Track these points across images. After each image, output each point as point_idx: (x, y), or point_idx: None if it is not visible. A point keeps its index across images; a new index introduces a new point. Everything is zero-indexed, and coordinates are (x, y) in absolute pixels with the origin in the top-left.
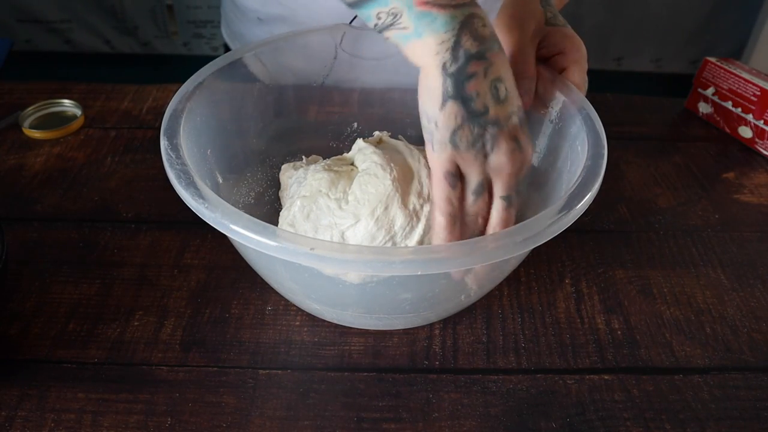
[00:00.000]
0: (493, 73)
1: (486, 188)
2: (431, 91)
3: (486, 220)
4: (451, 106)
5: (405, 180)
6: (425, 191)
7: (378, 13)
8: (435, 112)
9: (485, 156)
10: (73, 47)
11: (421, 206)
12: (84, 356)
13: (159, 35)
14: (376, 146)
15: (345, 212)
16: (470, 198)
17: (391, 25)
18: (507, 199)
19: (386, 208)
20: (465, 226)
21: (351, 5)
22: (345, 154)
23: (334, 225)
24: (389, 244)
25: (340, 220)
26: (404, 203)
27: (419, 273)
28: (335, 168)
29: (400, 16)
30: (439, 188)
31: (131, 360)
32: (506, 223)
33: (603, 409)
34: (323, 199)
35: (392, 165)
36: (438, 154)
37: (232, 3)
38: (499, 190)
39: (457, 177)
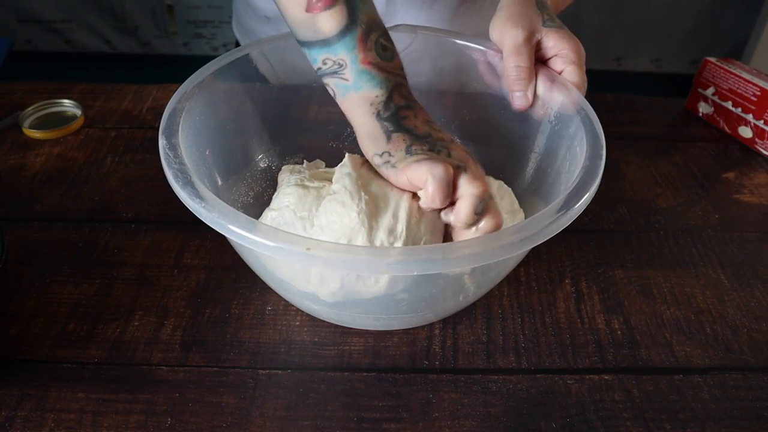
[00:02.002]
0: (422, 118)
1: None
2: (372, 135)
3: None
4: (398, 136)
5: (376, 213)
6: (399, 229)
7: (325, 59)
8: (383, 146)
9: (449, 155)
10: (73, 47)
11: (391, 244)
12: (84, 356)
13: (159, 35)
14: (360, 166)
15: (309, 236)
16: (458, 173)
17: (335, 73)
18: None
19: (349, 242)
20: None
21: (301, 44)
22: (335, 168)
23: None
24: (354, 280)
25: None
26: (370, 239)
27: (415, 273)
28: (307, 183)
29: (345, 68)
30: (435, 167)
31: (131, 360)
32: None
33: (603, 409)
34: (290, 215)
35: (362, 194)
36: (402, 164)
37: (244, 0)
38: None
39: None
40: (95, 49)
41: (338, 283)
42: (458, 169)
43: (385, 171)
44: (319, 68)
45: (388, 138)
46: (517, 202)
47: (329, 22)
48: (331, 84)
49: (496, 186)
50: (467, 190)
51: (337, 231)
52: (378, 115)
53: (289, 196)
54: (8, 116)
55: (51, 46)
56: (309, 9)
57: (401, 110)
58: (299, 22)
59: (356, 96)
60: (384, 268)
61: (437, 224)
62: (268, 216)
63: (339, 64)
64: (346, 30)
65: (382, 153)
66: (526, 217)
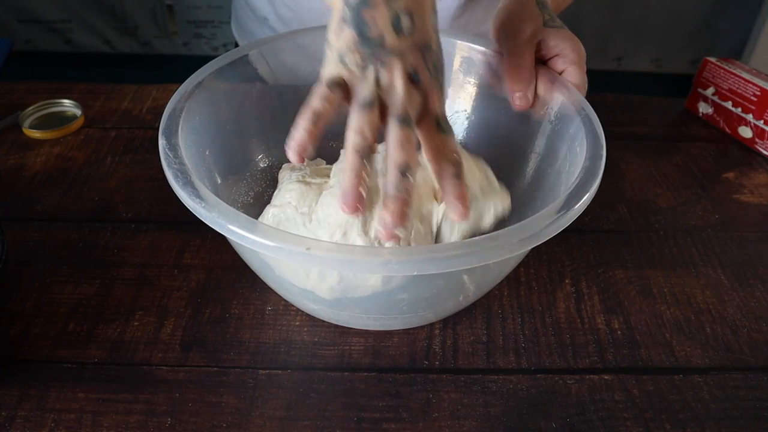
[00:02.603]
0: (398, 3)
1: (377, 104)
2: (332, 21)
3: (374, 135)
4: (346, 31)
5: (369, 205)
6: None
7: None
8: (331, 36)
9: (376, 79)
10: (73, 47)
11: None
12: (84, 356)
13: (159, 35)
14: None
15: (309, 231)
16: (356, 108)
17: None
18: (402, 118)
19: (344, 234)
20: (352, 134)
21: None
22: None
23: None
24: (352, 275)
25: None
26: (365, 230)
27: (415, 273)
28: (308, 179)
29: None
30: (315, 89)
31: (131, 360)
32: (402, 142)
33: (603, 409)
34: (291, 210)
35: None
36: (326, 69)
37: (243, 1)
38: (392, 110)
39: (340, 86)
40: (95, 49)
41: (337, 278)
42: (359, 106)
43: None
44: None
45: (339, 28)
46: (495, 182)
47: None
48: None
49: (472, 161)
50: (347, 132)
51: (333, 224)
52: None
53: (291, 192)
54: (8, 116)
55: (51, 46)
56: None
57: None
58: None
59: None
60: (383, 269)
61: (426, 212)
62: (270, 212)
63: None
64: None
65: (329, 46)
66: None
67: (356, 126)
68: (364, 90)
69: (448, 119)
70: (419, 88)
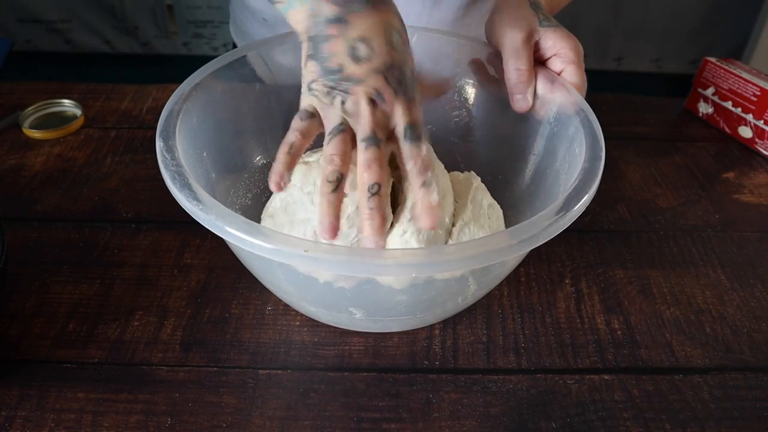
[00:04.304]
0: (353, 34)
1: (346, 130)
2: (303, 55)
3: (345, 160)
4: (310, 65)
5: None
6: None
7: None
8: (303, 69)
9: (342, 106)
10: (73, 47)
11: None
12: (84, 356)
13: (159, 35)
14: None
15: (315, 211)
16: (327, 137)
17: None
18: (368, 140)
19: (357, 208)
20: (325, 163)
21: None
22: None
23: (307, 220)
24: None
25: (312, 215)
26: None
27: (413, 275)
28: (306, 159)
29: None
30: (293, 121)
31: (131, 360)
32: (370, 163)
33: (603, 409)
34: (297, 192)
35: (351, 166)
36: (302, 101)
37: (241, 2)
38: (359, 133)
39: (314, 116)
40: (95, 49)
41: None
42: (331, 135)
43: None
44: None
45: (305, 62)
46: (493, 200)
47: None
48: (279, 10)
49: (467, 178)
50: (324, 157)
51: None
52: (308, 34)
53: (294, 174)
54: (8, 116)
55: (51, 46)
56: None
57: (328, 25)
58: None
59: (293, 13)
60: (382, 271)
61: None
62: (277, 198)
63: None
64: None
65: (303, 81)
66: (526, 218)
67: (327, 154)
68: (332, 118)
69: (448, 125)
70: (384, 106)
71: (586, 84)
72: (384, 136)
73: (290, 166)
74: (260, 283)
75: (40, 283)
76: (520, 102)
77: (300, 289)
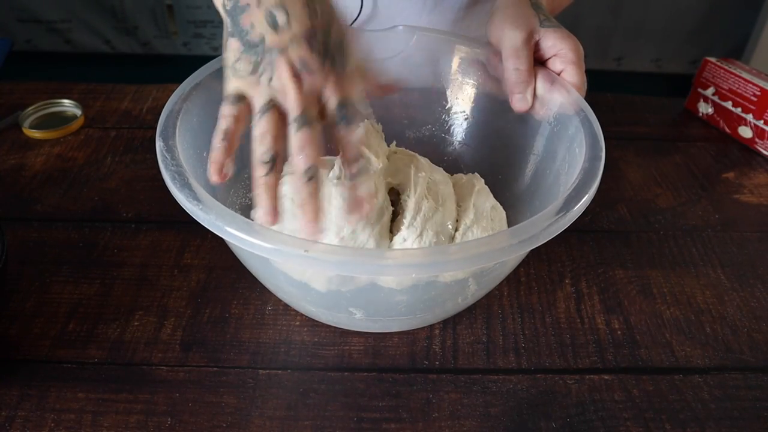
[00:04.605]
0: (267, 3)
1: (274, 108)
2: (223, 39)
3: (278, 140)
4: (232, 43)
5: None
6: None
7: None
8: (224, 54)
9: (269, 82)
10: (73, 47)
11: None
12: (84, 356)
13: (159, 35)
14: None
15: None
16: (255, 117)
17: None
18: (299, 120)
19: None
20: (256, 145)
21: None
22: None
23: (296, 231)
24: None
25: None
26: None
27: (413, 276)
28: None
29: None
30: (221, 108)
31: (131, 360)
32: (303, 145)
33: (603, 409)
34: (288, 203)
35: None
36: (226, 86)
37: None
38: (289, 112)
39: (242, 99)
40: (95, 49)
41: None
42: (263, 111)
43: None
44: None
45: (227, 42)
46: (496, 202)
47: None
48: None
49: (470, 180)
50: (254, 139)
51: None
52: (224, 8)
53: (284, 185)
54: (8, 116)
55: (51, 46)
56: None
57: None
58: None
59: None
60: (382, 271)
61: (444, 225)
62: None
63: None
64: None
65: (225, 65)
66: (525, 218)
67: (257, 135)
68: (259, 97)
69: (448, 126)
70: (312, 76)
71: (585, 84)
72: (317, 112)
73: (228, 152)
74: (260, 283)
75: (40, 283)
76: (520, 102)
77: (300, 289)
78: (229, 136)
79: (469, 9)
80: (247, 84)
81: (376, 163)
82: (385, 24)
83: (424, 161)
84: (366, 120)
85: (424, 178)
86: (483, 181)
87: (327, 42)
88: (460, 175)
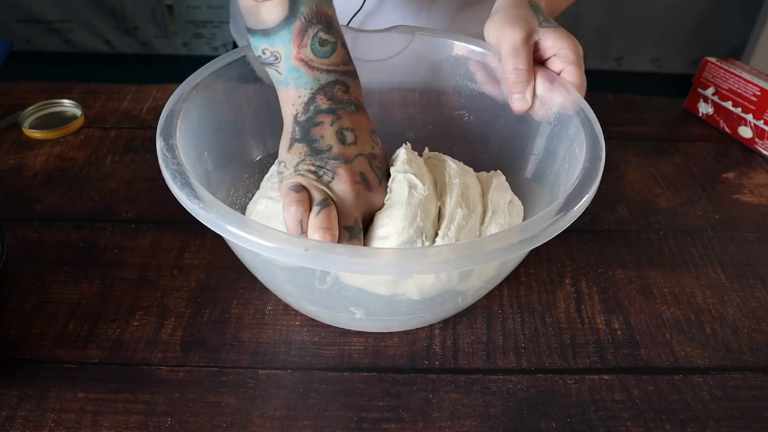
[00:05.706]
0: (341, 124)
1: (333, 205)
2: (284, 137)
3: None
4: (297, 147)
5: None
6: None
7: (264, 49)
8: (284, 154)
9: (328, 183)
10: (73, 47)
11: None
12: (84, 356)
13: (159, 35)
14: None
15: None
16: (315, 209)
17: (271, 64)
18: (350, 230)
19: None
20: (316, 236)
21: (247, 30)
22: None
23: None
24: None
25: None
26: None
27: (414, 274)
28: (271, 194)
29: (279, 61)
30: (285, 197)
31: (131, 360)
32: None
33: (603, 409)
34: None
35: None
36: (284, 182)
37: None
38: (341, 217)
39: (302, 188)
40: (95, 49)
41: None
42: (320, 206)
43: (279, 181)
44: (260, 56)
45: (290, 146)
46: (513, 196)
47: (270, 12)
48: (270, 74)
49: (489, 177)
50: (313, 228)
51: None
52: (295, 118)
53: (275, 190)
54: (8, 116)
55: (51, 46)
56: None
57: (319, 114)
58: (247, 9)
59: (284, 92)
60: (383, 270)
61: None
62: (263, 204)
63: (275, 56)
64: (285, 22)
65: (281, 162)
66: (526, 218)
67: (316, 227)
68: (317, 193)
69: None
70: (367, 188)
71: (585, 84)
72: (361, 224)
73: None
74: (260, 283)
75: (40, 283)
76: (519, 102)
77: (300, 288)
78: (304, 226)
79: (467, 8)
80: (307, 181)
81: (423, 189)
82: (383, 22)
83: (454, 165)
84: (404, 145)
85: (458, 185)
86: (503, 177)
87: (381, 168)
88: (483, 172)
